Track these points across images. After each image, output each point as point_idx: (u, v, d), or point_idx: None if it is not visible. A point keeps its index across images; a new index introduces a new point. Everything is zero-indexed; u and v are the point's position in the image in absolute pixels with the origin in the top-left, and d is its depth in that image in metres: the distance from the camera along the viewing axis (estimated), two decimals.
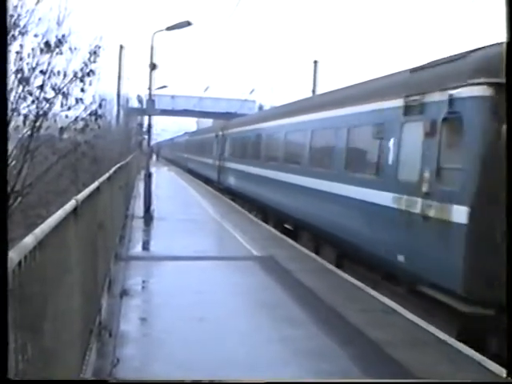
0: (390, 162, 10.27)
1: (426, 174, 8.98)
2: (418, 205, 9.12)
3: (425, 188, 8.95)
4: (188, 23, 20.10)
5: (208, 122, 70.77)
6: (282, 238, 15.93)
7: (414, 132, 9.49)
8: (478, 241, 7.89)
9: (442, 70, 9.31)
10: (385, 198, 10.23)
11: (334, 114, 13.54)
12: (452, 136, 8.65)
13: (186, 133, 61.87)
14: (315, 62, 43.20)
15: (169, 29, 20.40)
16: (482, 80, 8.09)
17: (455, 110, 8.47)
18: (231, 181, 26.75)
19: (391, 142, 10.32)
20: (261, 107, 52.38)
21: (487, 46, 8.39)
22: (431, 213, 8.74)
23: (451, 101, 8.55)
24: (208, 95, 56.52)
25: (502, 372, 6.26)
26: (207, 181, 35.01)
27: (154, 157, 64.46)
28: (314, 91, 41.21)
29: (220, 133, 31.28)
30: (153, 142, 46.31)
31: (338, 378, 6.09)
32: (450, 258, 8.21)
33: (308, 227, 15.07)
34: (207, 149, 35.99)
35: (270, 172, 18.87)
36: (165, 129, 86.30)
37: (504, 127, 6.60)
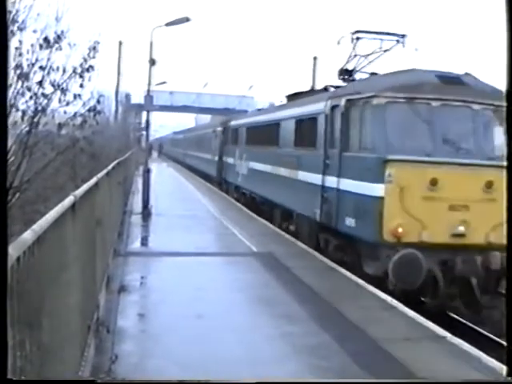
0: (212, 146, 32.96)
1: (216, 148, 31.54)
2: (212, 157, 32.71)
3: (215, 152, 31.39)
4: (187, 19, 20.05)
5: (206, 118, 70.69)
6: (281, 235, 15.93)
7: (214, 138, 32.59)
8: (219, 166, 29.95)
9: (220, 120, 33.40)
10: (209, 156, 33.95)
11: (203, 131, 40.76)
12: (217, 139, 31.42)
13: (173, 132, 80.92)
14: (315, 58, 43.18)
15: (168, 25, 20.34)
16: (220, 126, 30.85)
17: (216, 133, 31.82)
18: (188, 160, 49.86)
19: (213, 141, 32.84)
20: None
21: (226, 119, 30.90)
22: (213, 159, 32.10)
23: (218, 130, 31.66)
24: (207, 91, 56.54)
25: (501, 368, 6.27)
26: (180, 162, 57.68)
27: (155, 153, 64.18)
28: (312, 87, 41.10)
29: (187, 135, 55.74)
30: (152, 138, 46.53)
31: (338, 378, 6.08)
32: (217, 170, 30.79)
33: (194, 169, 43.11)
34: (180, 144, 61.75)
35: (187, 151, 50.31)
36: (163, 125, 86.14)
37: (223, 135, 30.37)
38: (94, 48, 10.11)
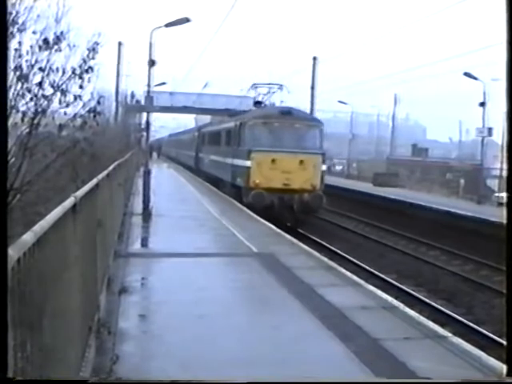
0: (193, 145, 44.92)
1: (194, 147, 44.22)
2: (192, 154, 45.26)
3: (194, 150, 44.13)
4: (187, 20, 20.10)
5: (206, 119, 70.60)
6: (282, 235, 15.93)
7: (194, 140, 44.90)
8: (196, 159, 43.31)
9: (195, 128, 52.34)
10: (191, 153, 46.14)
11: (188, 135, 54.64)
12: (195, 141, 44.11)
13: (169, 134, 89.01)
14: (314, 58, 43.13)
15: (167, 25, 20.39)
16: (197, 131, 44.98)
17: (195, 136, 44.52)
18: (179, 157, 60.78)
19: (193, 142, 44.86)
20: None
21: (201, 126, 49.21)
22: (193, 155, 44.83)
23: (195, 134, 44.80)
24: (207, 92, 56.52)
25: (501, 367, 6.27)
26: (174, 159, 67.13)
27: (155, 154, 63.68)
28: (312, 88, 41.19)
29: (178, 137, 68.72)
30: (152, 139, 46.60)
31: (338, 378, 6.08)
32: (194, 163, 43.97)
33: (182, 164, 55.53)
34: (174, 144, 73.11)
35: (178, 150, 63.60)
36: (164, 125, 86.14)
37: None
38: (94, 49, 10.10)
